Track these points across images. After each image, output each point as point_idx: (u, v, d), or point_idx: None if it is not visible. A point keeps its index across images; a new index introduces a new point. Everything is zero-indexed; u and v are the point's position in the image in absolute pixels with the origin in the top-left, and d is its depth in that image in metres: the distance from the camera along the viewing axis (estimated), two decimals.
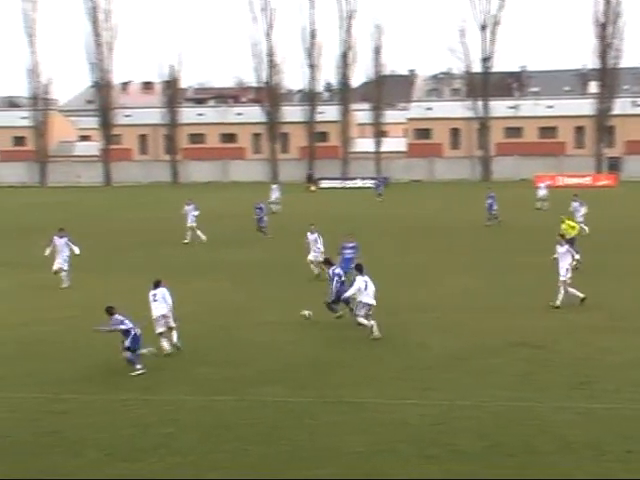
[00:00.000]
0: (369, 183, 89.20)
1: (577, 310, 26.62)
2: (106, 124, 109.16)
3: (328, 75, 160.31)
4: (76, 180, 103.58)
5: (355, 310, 24.05)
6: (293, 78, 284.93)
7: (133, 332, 20.43)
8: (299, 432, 16.21)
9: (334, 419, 16.97)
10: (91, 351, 22.49)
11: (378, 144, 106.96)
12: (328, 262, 27.07)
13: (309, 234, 34.15)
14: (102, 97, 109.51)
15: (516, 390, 18.60)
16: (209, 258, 39.60)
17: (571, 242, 31.45)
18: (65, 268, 31.89)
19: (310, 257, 33.48)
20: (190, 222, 45.59)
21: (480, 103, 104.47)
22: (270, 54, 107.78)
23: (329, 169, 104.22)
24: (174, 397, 18.60)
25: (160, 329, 21.93)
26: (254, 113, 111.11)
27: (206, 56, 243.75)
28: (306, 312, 25.72)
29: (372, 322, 23.42)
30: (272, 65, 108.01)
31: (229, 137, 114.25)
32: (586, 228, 43.70)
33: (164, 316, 22.01)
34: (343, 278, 25.85)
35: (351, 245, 30.64)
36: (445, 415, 17.05)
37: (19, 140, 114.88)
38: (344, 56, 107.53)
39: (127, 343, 20.41)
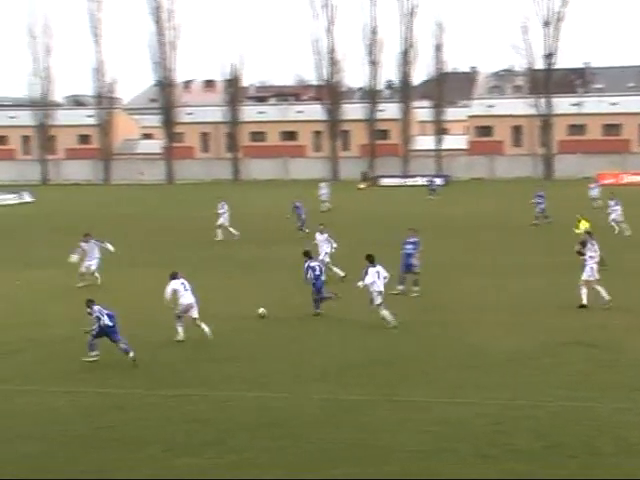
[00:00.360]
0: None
1: (636, 310, 26.32)
2: (169, 122, 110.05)
3: (389, 72, 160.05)
4: (139, 178, 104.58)
5: (373, 301, 24.42)
6: (354, 76, 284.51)
7: (102, 322, 21.26)
8: (353, 430, 16.16)
9: (388, 417, 16.90)
10: (147, 346, 22.70)
11: (439, 142, 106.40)
12: (307, 254, 27.50)
13: (318, 234, 33.54)
14: (165, 95, 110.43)
15: (575, 390, 18.37)
16: (266, 255, 39.77)
17: (584, 241, 31.15)
18: (93, 268, 32.12)
19: (320, 259, 32.07)
20: (222, 220, 46.10)
21: (543, 100, 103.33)
22: (331, 52, 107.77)
23: (389, 167, 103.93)
24: (229, 393, 18.68)
25: (181, 315, 23.25)
26: (315, 111, 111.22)
27: (267, 54, 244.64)
28: (262, 310, 26.08)
29: (386, 312, 24.19)
30: (333, 63, 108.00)
31: (290, 135, 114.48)
32: (625, 227, 43.82)
33: (191, 305, 23.24)
34: (317, 272, 26.51)
35: (412, 240, 30.41)
36: (503, 415, 16.89)
37: (84, 138, 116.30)
38: (405, 53, 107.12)
39: (96, 329, 21.34)
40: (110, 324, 21.37)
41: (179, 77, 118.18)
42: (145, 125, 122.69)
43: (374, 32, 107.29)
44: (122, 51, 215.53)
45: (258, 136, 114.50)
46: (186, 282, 23.59)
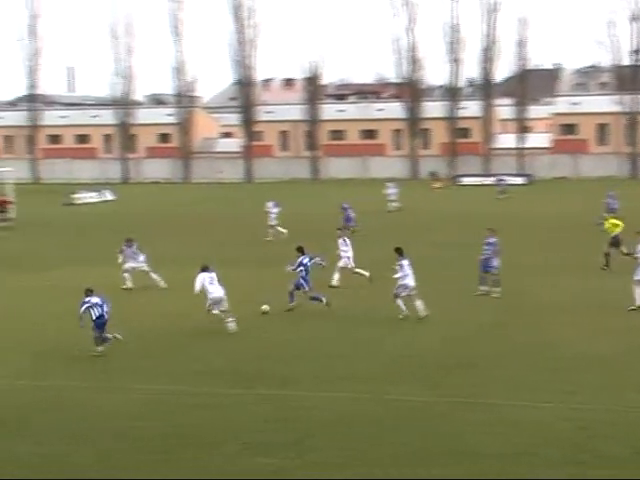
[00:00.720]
0: (511, 180, 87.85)
1: None
2: (248, 121, 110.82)
3: (470, 70, 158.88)
4: (218, 176, 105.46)
5: (395, 290, 25.31)
6: (434, 73, 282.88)
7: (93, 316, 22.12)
8: (430, 432, 16.01)
9: (467, 419, 16.70)
10: (222, 346, 22.83)
11: (521, 140, 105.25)
12: (300, 250, 27.76)
13: (339, 239, 32.29)
14: (244, 94, 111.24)
15: None
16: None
17: (616, 241, 30.48)
18: (145, 269, 31.73)
19: (340, 264, 31.64)
20: (272, 221, 46.36)
21: (629, 97, 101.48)
22: (411, 49, 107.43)
23: (470, 166, 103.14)
24: (308, 393, 18.67)
25: (216, 310, 24.16)
26: (395, 109, 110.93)
27: (347, 52, 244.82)
28: (265, 307, 26.51)
29: (418, 302, 25.10)
30: (413, 60, 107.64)
31: (369, 133, 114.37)
32: None
33: (220, 298, 24.17)
34: (307, 270, 26.94)
35: (490, 241, 30.13)
36: (587, 419, 16.55)
37: (164, 137, 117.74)
38: (487, 50, 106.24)
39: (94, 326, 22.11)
40: (101, 320, 22.13)
41: (259, 75, 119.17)
42: (224, 124, 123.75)
43: (455, 29, 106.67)
44: (202, 50, 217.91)
45: (337, 134, 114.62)
46: (215, 275, 24.38)
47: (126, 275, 31.30)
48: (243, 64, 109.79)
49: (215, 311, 24.35)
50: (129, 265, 31.50)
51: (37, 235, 50.23)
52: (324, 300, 26.90)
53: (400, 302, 25.28)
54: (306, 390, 18.91)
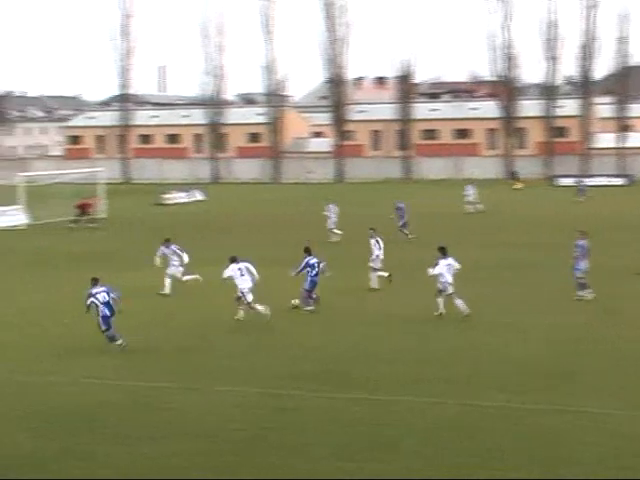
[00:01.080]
0: (613, 181, 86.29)
1: None
2: (339, 120, 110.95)
3: (568, 67, 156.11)
4: (308, 176, 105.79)
5: (443, 291, 26.25)
6: (530, 71, 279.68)
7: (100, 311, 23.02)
8: (526, 439, 15.85)
9: (563, 427, 16.47)
10: (309, 347, 22.91)
11: (621, 139, 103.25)
12: (307, 250, 28.64)
13: (371, 239, 32.69)
14: (336, 93, 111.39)
15: None
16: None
17: None
18: (177, 276, 31.87)
19: (371, 264, 32.18)
20: (331, 222, 46.71)
21: None
22: (507, 47, 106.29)
23: (568, 166, 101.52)
24: (400, 398, 18.62)
25: (245, 298, 25.85)
26: (489, 108, 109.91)
27: (440, 50, 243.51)
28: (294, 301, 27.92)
29: (458, 300, 26.02)
30: (509, 58, 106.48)
31: (463, 133, 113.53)
32: None
33: (250, 289, 25.87)
34: (315, 270, 27.91)
35: (579, 243, 29.78)
36: None
37: (254, 136, 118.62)
38: (586, 47, 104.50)
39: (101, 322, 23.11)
40: (108, 314, 22.91)
41: (350, 74, 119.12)
42: (315, 123, 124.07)
43: (553, 26, 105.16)
44: (293, 48, 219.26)
45: (430, 134, 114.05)
46: (244, 267, 26.14)
47: (167, 281, 31.42)
48: (334, 62, 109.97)
49: (245, 301, 25.88)
50: (170, 271, 31.65)
51: (127, 235, 51.11)
52: (312, 308, 27.80)
53: (440, 300, 26.19)
54: (393, 394, 18.87)
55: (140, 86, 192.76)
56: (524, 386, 19.25)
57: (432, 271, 26.47)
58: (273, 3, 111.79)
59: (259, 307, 26.11)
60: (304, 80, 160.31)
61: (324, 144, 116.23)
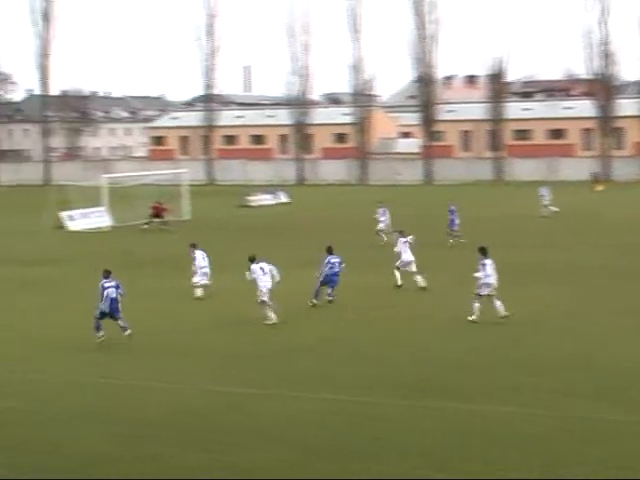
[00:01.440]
0: None
1: None
2: (428, 120, 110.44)
3: None
4: (396, 178, 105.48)
5: (477, 290, 26.38)
6: (629, 68, 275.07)
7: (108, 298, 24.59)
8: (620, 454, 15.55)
9: None
10: (399, 355, 22.78)
11: None
12: (329, 250, 30.23)
13: (400, 239, 33.33)
14: (425, 92, 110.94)
15: None
16: (515, 259, 39.18)
17: None
18: (203, 282, 31.96)
19: (397, 263, 33.22)
20: (381, 225, 46.88)
21: None
22: (604, 43, 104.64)
23: None
24: (478, 406, 18.40)
25: (264, 298, 26.70)
26: (585, 107, 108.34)
27: (534, 47, 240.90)
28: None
29: (497, 302, 26.16)
30: (606, 55, 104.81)
31: (557, 133, 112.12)
32: None
33: (269, 289, 26.71)
34: (335, 269, 29.52)
35: None
36: None
37: (340, 137, 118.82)
38: None
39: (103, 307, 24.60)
40: (107, 310, 24.52)
41: (440, 73, 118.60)
42: (403, 123, 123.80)
43: None
44: (381, 47, 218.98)
45: (523, 134, 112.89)
46: (265, 266, 27.08)
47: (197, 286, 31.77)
48: (423, 61, 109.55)
49: (264, 300, 26.76)
50: (196, 279, 31.83)
51: (210, 237, 51.36)
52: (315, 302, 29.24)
53: (477, 305, 26.18)
54: (476, 402, 18.66)
55: (225, 86, 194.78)
56: (608, 395, 18.88)
57: (479, 273, 26.48)
58: (361, 1, 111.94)
59: (271, 313, 26.89)
60: (392, 79, 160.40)
61: (412, 145, 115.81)
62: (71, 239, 53.25)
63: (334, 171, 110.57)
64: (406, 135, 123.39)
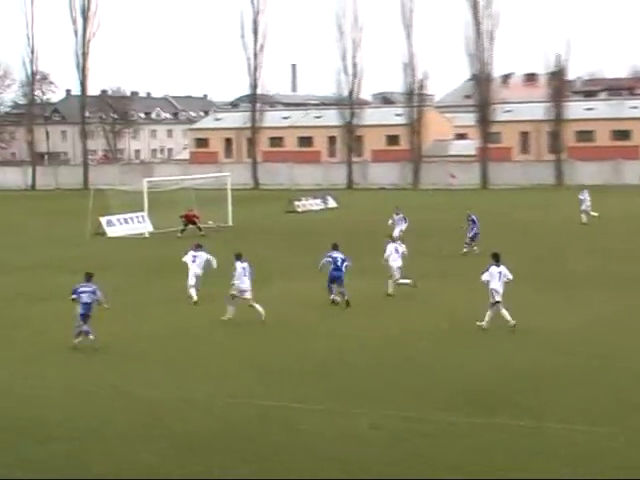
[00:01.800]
0: None
1: None
2: (484, 121, 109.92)
3: None
4: (450, 182, 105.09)
5: (490, 299, 26.88)
6: None
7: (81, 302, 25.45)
8: None
9: None
10: (455, 369, 22.69)
11: None
12: (334, 247, 32.15)
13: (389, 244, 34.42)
14: (481, 91, 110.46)
15: None
16: (578, 269, 38.87)
17: None
18: (192, 283, 32.97)
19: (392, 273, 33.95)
20: (396, 234, 45.94)
21: None
22: None
23: None
24: (558, 425, 18.25)
25: (234, 292, 28.54)
26: None
27: (597, 43, 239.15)
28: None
29: (503, 310, 26.67)
30: None
31: (622, 134, 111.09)
32: None
33: (246, 289, 28.55)
34: (337, 265, 31.12)
35: None
36: None
37: (392, 139, 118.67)
38: None
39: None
40: (82, 312, 25.35)
41: (497, 71, 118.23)
42: (458, 124, 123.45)
43: None
44: (434, 43, 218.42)
45: (585, 136, 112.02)
46: (247, 266, 28.83)
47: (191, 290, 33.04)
48: (480, 58, 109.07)
49: (234, 294, 28.47)
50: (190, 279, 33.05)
51: (254, 244, 51.47)
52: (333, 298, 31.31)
53: (489, 313, 26.81)
54: (555, 421, 18.52)
55: (271, 85, 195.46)
56: None
57: (483, 278, 27.27)
58: None
59: (257, 306, 28.77)
60: (446, 78, 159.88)
61: (468, 147, 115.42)
62: (110, 245, 53.65)
63: (385, 174, 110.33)
64: (461, 136, 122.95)
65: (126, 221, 60.27)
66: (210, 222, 59.54)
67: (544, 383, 21.46)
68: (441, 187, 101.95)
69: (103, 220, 59.53)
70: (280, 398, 20.66)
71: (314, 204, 79.05)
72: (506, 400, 20.12)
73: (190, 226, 56.52)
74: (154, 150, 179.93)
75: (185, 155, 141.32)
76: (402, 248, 34.08)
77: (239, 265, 28.97)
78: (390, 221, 49.36)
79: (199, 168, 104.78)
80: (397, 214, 49.22)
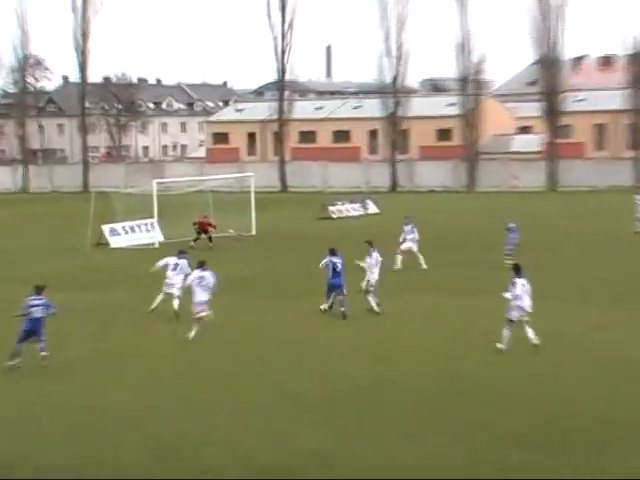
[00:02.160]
0: None
1: None
2: (552, 112, 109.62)
3: None
4: (512, 183, 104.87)
5: (507, 313, 27.87)
6: None
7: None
8: None
9: None
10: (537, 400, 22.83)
11: None
12: (332, 252, 33.90)
13: (368, 257, 35.58)
14: (548, 78, 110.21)
15: None
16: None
17: None
18: (177, 294, 34.09)
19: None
20: (404, 246, 46.41)
21: None
22: None
23: None
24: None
25: (198, 313, 29.85)
26: None
27: None
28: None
29: (529, 329, 27.62)
30: None
31: None
32: None
33: (205, 302, 29.87)
34: (337, 270, 33.15)
35: None
36: None
37: (443, 133, 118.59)
38: None
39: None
40: (26, 328, 26.19)
41: (567, 54, 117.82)
42: (521, 116, 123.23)
43: None
44: (493, 22, 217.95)
45: None
46: (207, 277, 29.99)
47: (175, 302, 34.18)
48: (546, 40, 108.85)
49: (197, 314, 29.84)
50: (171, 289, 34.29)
51: (280, 256, 51.50)
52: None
53: (506, 331, 27.67)
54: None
55: (301, 71, 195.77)
56: None
57: (508, 294, 27.95)
58: None
59: (194, 331, 29.87)
60: (507, 62, 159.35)
61: (533, 142, 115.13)
62: (113, 258, 53.78)
63: (435, 175, 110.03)
64: (525, 130, 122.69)
65: (132, 229, 60.43)
66: (230, 230, 59.75)
67: None
68: (501, 189, 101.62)
69: (106, 228, 59.66)
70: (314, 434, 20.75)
71: (351, 209, 79.02)
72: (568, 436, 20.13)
73: (203, 235, 56.60)
74: (165, 147, 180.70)
75: (201, 152, 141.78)
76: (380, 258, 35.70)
77: (196, 273, 30.63)
78: (402, 236, 47.62)
79: (217, 168, 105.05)
80: (407, 224, 48.22)
